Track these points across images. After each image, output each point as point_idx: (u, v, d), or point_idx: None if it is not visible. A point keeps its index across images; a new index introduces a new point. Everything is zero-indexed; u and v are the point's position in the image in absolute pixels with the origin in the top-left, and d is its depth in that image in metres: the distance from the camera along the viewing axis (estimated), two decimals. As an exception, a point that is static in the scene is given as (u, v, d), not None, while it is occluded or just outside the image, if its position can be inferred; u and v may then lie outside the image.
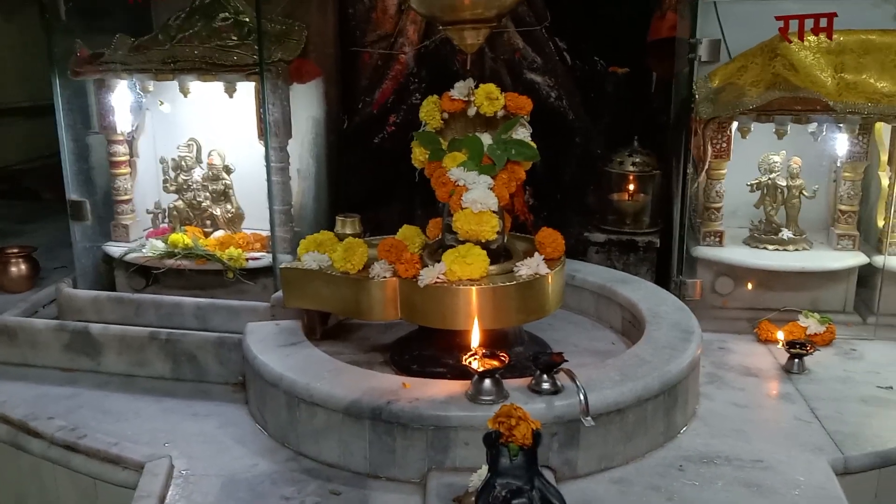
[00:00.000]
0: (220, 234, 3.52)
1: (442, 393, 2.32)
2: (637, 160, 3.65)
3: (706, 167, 3.33)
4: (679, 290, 3.33)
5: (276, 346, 2.68)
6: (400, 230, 2.96)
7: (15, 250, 3.81)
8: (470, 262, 2.58)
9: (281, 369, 2.50)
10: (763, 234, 3.45)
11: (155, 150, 3.73)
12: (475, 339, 2.45)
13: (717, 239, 3.43)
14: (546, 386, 2.30)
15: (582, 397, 2.16)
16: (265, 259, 3.37)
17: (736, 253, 3.39)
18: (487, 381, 2.27)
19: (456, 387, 2.35)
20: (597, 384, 2.33)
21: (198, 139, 3.56)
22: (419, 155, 2.84)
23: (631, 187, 3.65)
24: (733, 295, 3.40)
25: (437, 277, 2.58)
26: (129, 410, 2.76)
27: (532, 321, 2.76)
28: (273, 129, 3.22)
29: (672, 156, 3.65)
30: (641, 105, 4.28)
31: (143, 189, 3.70)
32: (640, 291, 3.13)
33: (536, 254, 2.70)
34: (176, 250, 3.39)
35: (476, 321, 2.53)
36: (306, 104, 3.52)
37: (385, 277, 2.66)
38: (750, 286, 3.38)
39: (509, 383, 2.34)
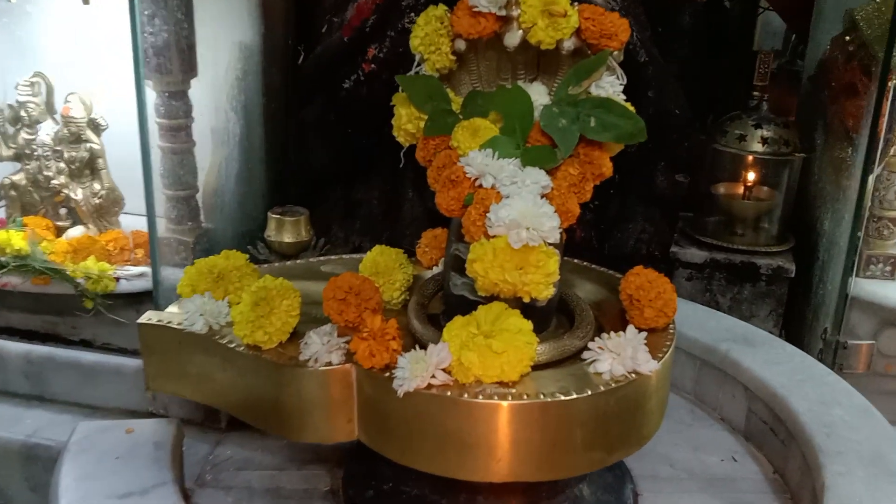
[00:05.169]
0: (79, 231, 2.16)
1: None
2: (768, 135, 2.21)
3: (890, 152, 2.00)
4: (833, 356, 2.02)
5: (109, 494, 1.36)
6: (368, 254, 1.64)
7: None
8: (499, 350, 1.26)
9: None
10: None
11: (4, 90, 2.37)
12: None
13: (889, 268, 2.13)
14: None
15: None
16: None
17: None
18: None
19: None
20: None
21: (46, 75, 2.17)
22: (406, 121, 1.49)
23: (751, 177, 2.23)
24: (906, 357, 2.10)
25: (432, 376, 1.27)
26: None
27: (618, 461, 1.46)
28: (156, 60, 1.86)
29: (815, 128, 2.31)
30: (736, 46, 2.95)
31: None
32: (782, 366, 1.82)
33: (630, 328, 1.37)
34: (3, 259, 2.05)
35: (509, 471, 1.23)
36: (228, 22, 2.16)
37: (330, 364, 1.35)
38: (932, 344, 2.08)
39: None
